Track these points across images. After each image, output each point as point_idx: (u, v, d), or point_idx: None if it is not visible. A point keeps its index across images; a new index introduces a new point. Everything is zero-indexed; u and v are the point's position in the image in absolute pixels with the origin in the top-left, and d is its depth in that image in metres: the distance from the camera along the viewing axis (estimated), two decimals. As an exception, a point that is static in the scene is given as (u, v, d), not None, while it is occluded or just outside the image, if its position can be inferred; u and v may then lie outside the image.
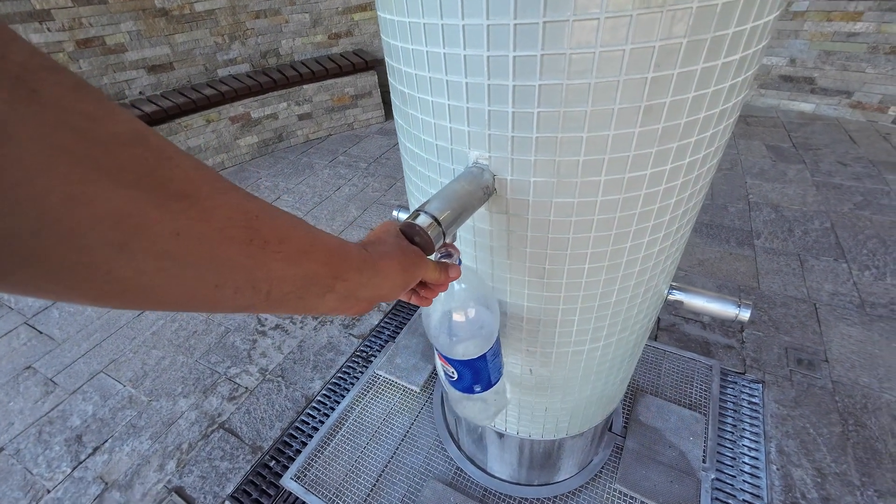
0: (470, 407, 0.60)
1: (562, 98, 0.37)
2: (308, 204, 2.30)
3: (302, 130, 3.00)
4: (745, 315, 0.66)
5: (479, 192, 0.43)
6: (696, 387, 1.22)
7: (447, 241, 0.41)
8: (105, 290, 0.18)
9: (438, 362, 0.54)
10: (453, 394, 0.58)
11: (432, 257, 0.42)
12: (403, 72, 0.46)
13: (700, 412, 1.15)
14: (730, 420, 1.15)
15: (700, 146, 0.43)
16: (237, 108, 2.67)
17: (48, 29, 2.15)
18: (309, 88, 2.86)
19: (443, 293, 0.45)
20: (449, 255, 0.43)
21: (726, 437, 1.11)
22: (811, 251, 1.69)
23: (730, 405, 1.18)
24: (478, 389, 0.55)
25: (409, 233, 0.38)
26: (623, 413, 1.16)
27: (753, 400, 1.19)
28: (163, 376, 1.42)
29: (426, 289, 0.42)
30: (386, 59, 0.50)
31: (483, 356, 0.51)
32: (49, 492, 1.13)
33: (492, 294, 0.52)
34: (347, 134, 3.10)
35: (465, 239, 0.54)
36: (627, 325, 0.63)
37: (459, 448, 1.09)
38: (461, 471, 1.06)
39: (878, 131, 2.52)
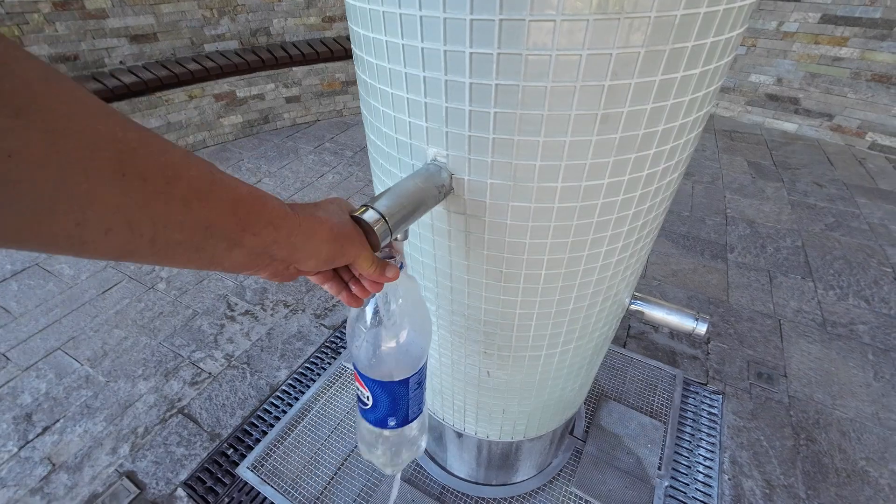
0: (378, 447, 0.53)
1: (518, 100, 0.36)
2: (290, 189, 2.26)
3: (289, 114, 2.93)
4: (702, 329, 0.66)
5: (433, 190, 0.42)
6: (659, 395, 1.24)
7: (398, 237, 0.40)
8: None
9: (355, 383, 0.49)
10: (363, 427, 0.51)
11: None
12: (366, 61, 0.44)
13: (660, 420, 1.17)
14: (688, 429, 1.17)
15: (659, 159, 0.43)
16: (222, 85, 2.59)
17: (23, -13, 2.05)
18: (298, 71, 2.80)
19: (377, 297, 0.42)
20: (391, 257, 0.40)
21: (684, 445, 1.14)
22: (781, 268, 1.73)
23: (690, 415, 1.20)
24: (392, 423, 0.48)
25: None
26: (585, 417, 1.17)
27: (713, 411, 1.22)
28: (123, 357, 1.38)
29: (358, 285, 0.39)
30: (352, 47, 0.48)
31: (405, 381, 0.45)
32: (-7, 471, 1.09)
33: (429, 318, 0.49)
34: (336, 121, 3.04)
35: (425, 237, 0.53)
36: (586, 332, 0.63)
37: (421, 445, 1.08)
38: (420, 468, 1.06)
39: (855, 155, 2.59)
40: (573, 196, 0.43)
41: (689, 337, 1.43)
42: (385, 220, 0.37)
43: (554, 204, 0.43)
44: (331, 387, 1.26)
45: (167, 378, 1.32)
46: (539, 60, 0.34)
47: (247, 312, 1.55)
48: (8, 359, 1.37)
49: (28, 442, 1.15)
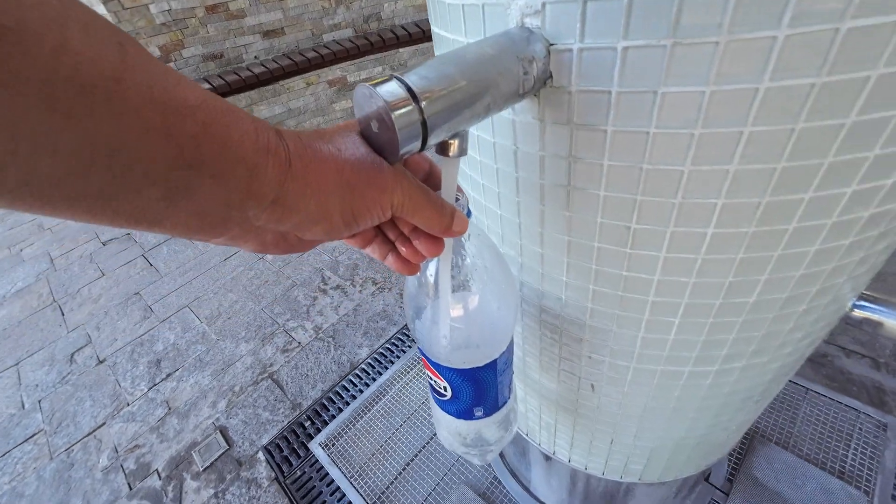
0: (462, 438, 0.43)
1: None
2: (388, 169, 2.26)
3: (394, 97, 2.96)
4: None
5: (513, 64, 0.24)
6: (856, 449, 0.85)
7: (437, 139, 0.23)
8: None
9: (426, 371, 0.39)
10: (442, 418, 0.42)
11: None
12: None
13: (859, 487, 0.80)
14: (909, 509, 0.78)
15: None
16: (335, 71, 2.72)
17: (183, -4, 2.39)
18: (404, 52, 2.80)
19: (436, 260, 0.29)
20: (454, 200, 0.26)
21: (900, 532, 0.75)
22: None
23: (912, 487, 0.80)
24: (479, 414, 0.38)
25: (365, 114, 0.21)
26: (729, 460, 0.86)
27: (957, 488, 0.79)
28: (233, 319, 1.49)
29: (408, 245, 0.25)
30: None
31: (492, 364, 0.34)
32: (128, 405, 1.26)
33: (508, 270, 0.34)
34: (438, 102, 2.98)
35: (503, 172, 0.35)
36: (770, 344, 0.38)
37: (501, 455, 0.91)
38: (498, 482, 0.89)
39: None
40: (811, 61, 0.20)
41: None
42: (415, 98, 0.20)
43: (761, 84, 0.22)
44: (408, 372, 1.17)
45: (263, 343, 1.38)
46: None
47: (338, 287, 1.55)
48: (152, 311, 1.59)
49: (154, 385, 1.30)
